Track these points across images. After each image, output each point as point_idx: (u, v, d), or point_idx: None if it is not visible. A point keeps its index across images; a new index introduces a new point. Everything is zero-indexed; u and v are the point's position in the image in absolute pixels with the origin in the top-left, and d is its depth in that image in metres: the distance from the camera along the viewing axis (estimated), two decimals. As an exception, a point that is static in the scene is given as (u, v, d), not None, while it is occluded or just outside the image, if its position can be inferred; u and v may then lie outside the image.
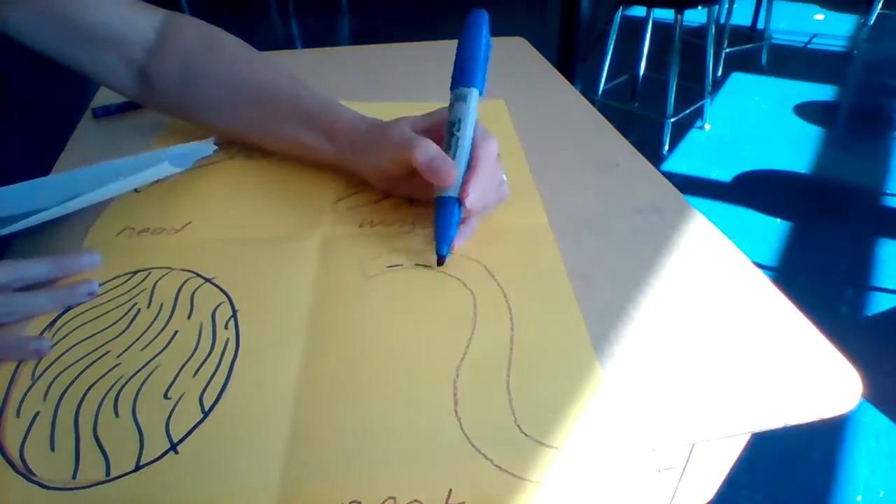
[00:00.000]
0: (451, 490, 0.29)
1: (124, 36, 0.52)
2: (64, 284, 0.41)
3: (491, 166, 0.44)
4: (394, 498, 0.29)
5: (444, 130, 0.45)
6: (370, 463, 0.30)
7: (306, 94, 0.51)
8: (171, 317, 0.39)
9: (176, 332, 0.38)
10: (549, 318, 0.39)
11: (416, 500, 0.29)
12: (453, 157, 0.43)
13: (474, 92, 0.45)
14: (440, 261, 0.43)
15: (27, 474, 0.30)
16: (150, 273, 0.43)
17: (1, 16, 0.47)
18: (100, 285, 0.41)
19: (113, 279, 0.42)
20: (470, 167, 0.44)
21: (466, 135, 0.44)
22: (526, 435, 0.32)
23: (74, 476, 0.30)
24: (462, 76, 0.45)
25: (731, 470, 0.41)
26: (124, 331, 0.38)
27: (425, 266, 0.44)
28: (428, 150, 0.43)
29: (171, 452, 0.31)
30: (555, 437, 0.32)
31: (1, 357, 0.35)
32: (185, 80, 0.53)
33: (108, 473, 0.30)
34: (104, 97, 0.71)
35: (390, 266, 0.44)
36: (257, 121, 0.53)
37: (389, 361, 0.36)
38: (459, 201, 0.42)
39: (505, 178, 0.46)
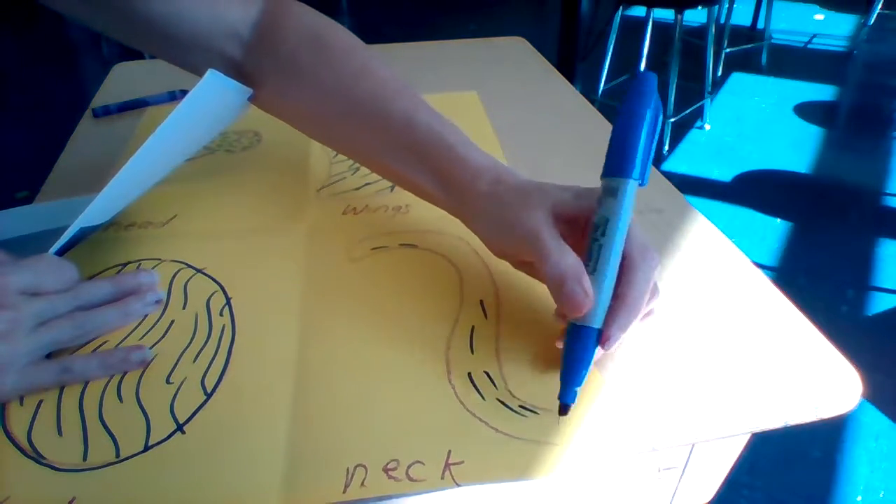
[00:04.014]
0: (450, 451, 0.31)
1: (213, 34, 0.45)
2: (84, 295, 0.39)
3: (647, 293, 0.33)
4: (397, 460, 0.30)
5: (588, 231, 0.34)
6: (372, 430, 0.32)
7: (423, 122, 0.41)
8: (166, 308, 0.40)
9: (172, 321, 0.39)
10: (532, 290, 0.40)
11: (417, 461, 0.30)
12: (593, 272, 0.33)
13: (630, 184, 0.33)
14: (563, 410, 0.32)
15: (38, 458, 0.30)
16: (139, 265, 0.43)
17: (84, 16, 0.43)
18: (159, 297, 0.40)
19: (103, 272, 0.42)
20: (620, 295, 0.33)
21: (615, 244, 0.33)
22: (516, 398, 0.34)
23: (85, 458, 0.30)
24: (615, 161, 0.33)
25: (731, 470, 0.41)
26: None
27: (410, 245, 0.45)
28: (561, 265, 0.33)
29: (178, 433, 0.32)
30: (542, 399, 0.33)
31: (109, 373, 0.35)
32: (284, 88, 0.46)
33: (117, 455, 0.31)
34: (104, 97, 0.71)
35: (375, 248, 0.45)
36: (363, 147, 0.45)
37: (383, 335, 0.37)
38: (599, 334, 0.33)
39: (659, 291, 0.36)
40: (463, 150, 0.40)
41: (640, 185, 0.34)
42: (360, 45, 0.46)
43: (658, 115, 0.34)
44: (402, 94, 0.43)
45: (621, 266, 0.33)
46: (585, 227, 0.35)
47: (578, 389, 0.32)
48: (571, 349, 0.33)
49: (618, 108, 0.34)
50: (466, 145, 0.40)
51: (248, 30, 0.46)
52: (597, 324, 0.33)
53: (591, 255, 0.33)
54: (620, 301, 0.33)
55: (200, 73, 0.47)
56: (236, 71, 0.47)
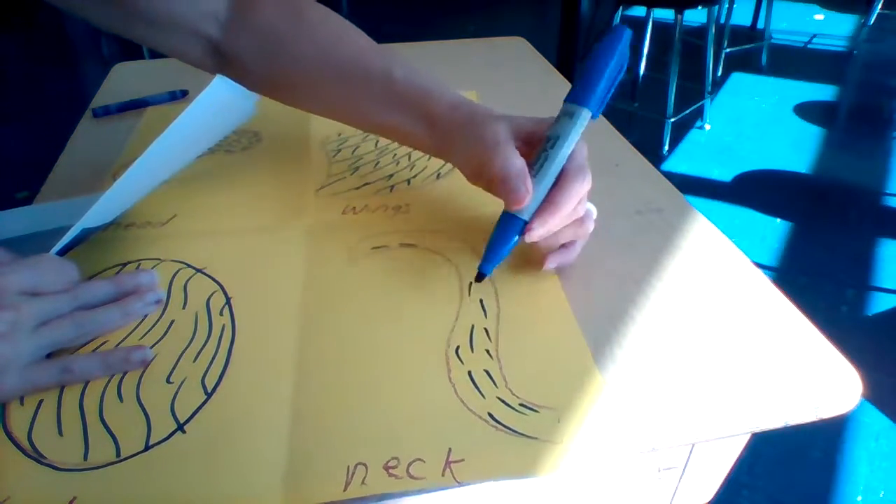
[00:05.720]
0: (450, 449, 0.31)
1: (190, 16, 0.45)
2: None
3: (572, 204, 0.39)
4: (397, 458, 0.30)
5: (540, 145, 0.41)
6: (372, 428, 0.32)
7: (401, 73, 0.45)
8: (166, 307, 0.40)
9: (172, 321, 0.39)
10: (532, 288, 0.41)
11: (418, 459, 0.30)
12: (535, 176, 0.39)
13: (585, 113, 0.40)
14: (479, 277, 0.40)
15: (38, 458, 0.30)
16: (139, 265, 0.43)
17: (66, 3, 0.43)
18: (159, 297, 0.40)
19: (102, 272, 0.42)
20: (550, 199, 0.39)
21: (558, 157, 0.39)
22: (516, 396, 0.34)
23: (86, 458, 0.30)
24: (577, 91, 0.40)
25: (731, 470, 0.41)
26: None
27: (410, 245, 0.45)
28: (508, 162, 0.39)
29: (179, 432, 0.32)
30: (542, 397, 0.34)
31: (109, 373, 0.35)
32: (264, 59, 0.47)
33: (118, 454, 0.31)
34: (104, 97, 0.71)
35: (375, 248, 0.45)
36: (347, 104, 0.48)
37: (383, 334, 0.38)
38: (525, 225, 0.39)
39: (593, 214, 0.42)
40: (440, 91, 0.45)
41: (593, 118, 0.40)
42: (334, 14, 0.48)
43: (623, 65, 0.41)
44: (378, 53, 0.47)
45: (558, 178, 0.39)
46: (538, 145, 0.41)
47: (494, 266, 0.40)
48: (500, 232, 0.40)
49: (592, 51, 0.42)
50: (443, 87, 0.45)
51: (224, 9, 0.46)
52: (526, 216, 0.39)
53: (536, 162, 0.40)
54: (549, 203, 0.39)
55: (182, 57, 0.47)
56: (216, 51, 0.47)
